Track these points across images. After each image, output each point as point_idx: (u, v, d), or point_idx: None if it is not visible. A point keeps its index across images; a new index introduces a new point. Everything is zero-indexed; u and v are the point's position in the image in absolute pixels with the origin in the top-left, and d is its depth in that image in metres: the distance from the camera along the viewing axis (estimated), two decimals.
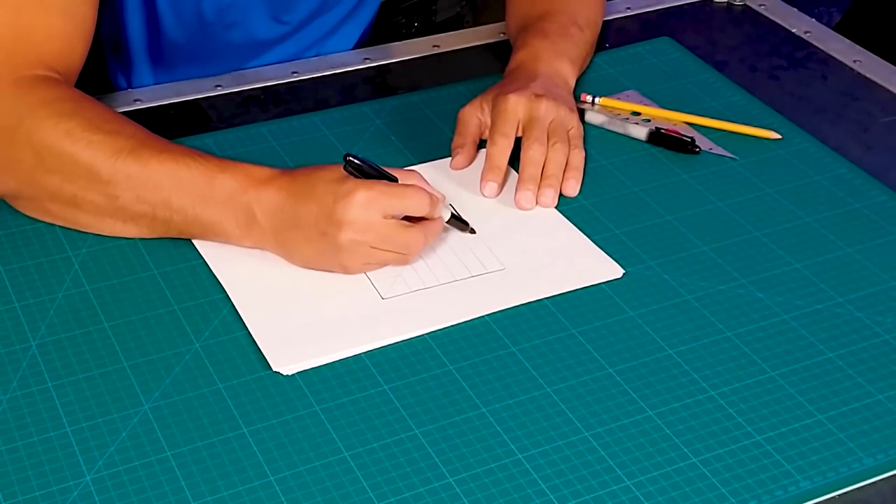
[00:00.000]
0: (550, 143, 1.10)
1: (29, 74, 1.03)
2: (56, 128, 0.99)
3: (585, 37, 1.25)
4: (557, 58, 1.19)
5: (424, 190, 0.99)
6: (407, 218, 0.99)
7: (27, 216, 1.04)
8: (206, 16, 1.24)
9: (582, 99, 1.22)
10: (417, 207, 0.98)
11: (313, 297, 0.97)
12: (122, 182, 0.98)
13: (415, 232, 0.98)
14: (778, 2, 1.45)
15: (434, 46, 1.36)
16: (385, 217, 0.96)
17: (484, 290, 1.00)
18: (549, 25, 1.23)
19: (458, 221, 1.04)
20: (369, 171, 0.97)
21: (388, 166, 1.00)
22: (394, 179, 0.99)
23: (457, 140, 1.15)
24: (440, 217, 1.01)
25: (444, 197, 1.02)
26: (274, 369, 0.92)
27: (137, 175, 0.98)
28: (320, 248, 0.97)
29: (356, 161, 0.96)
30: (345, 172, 0.97)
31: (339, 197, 0.95)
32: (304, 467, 0.84)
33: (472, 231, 1.05)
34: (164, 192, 0.98)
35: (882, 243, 1.06)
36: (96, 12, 1.09)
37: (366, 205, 0.95)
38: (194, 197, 0.98)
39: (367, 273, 1.00)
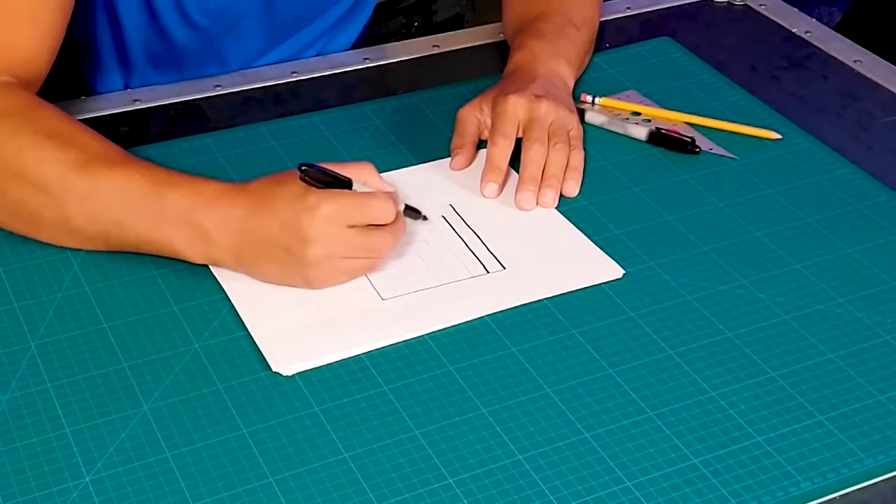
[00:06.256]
0: (551, 144, 1.10)
1: None
2: (6, 146, 0.97)
3: (582, 36, 1.25)
4: (555, 58, 1.19)
5: (387, 196, 0.96)
6: None
7: None
8: (198, 23, 1.23)
9: (582, 99, 1.22)
10: (383, 216, 0.95)
11: (313, 298, 0.97)
12: (73, 203, 0.97)
13: (381, 234, 0.96)
14: (778, 2, 1.45)
15: (434, 46, 1.36)
16: (350, 227, 0.94)
17: (484, 290, 1.00)
18: (546, 26, 1.22)
19: (411, 211, 1.02)
20: (326, 179, 0.95)
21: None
22: (349, 181, 0.96)
23: (456, 140, 1.15)
24: (400, 212, 0.99)
25: (395, 190, 1.00)
26: (273, 370, 0.91)
27: (88, 195, 0.96)
28: (285, 264, 0.95)
29: (312, 170, 0.94)
30: (303, 184, 0.94)
31: (301, 212, 0.93)
32: (303, 468, 0.84)
33: (425, 218, 1.03)
34: (115, 211, 0.96)
35: (882, 243, 1.06)
36: (67, 22, 1.07)
37: (330, 219, 0.93)
38: (146, 217, 0.96)
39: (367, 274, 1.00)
